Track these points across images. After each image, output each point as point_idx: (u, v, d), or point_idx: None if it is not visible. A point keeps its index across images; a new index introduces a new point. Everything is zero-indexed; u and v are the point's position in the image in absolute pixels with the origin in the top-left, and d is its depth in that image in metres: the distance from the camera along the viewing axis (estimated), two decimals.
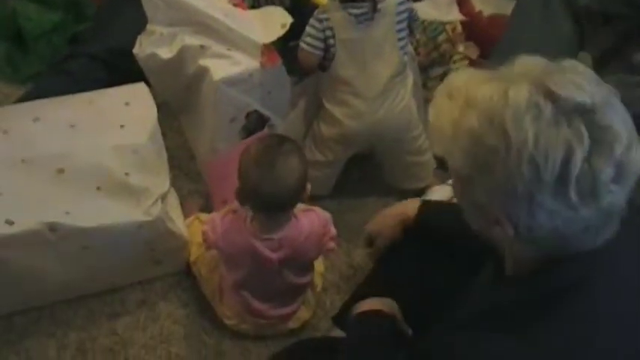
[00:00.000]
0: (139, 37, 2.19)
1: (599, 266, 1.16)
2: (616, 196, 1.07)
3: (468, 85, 1.15)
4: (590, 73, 1.12)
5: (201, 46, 2.07)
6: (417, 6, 2.33)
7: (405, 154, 2.41)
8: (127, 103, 2.08)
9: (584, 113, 1.05)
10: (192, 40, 2.08)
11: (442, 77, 2.83)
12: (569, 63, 1.14)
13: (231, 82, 2.05)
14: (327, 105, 2.27)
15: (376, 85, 2.22)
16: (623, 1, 2.51)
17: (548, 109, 1.05)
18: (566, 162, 1.03)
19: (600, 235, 1.11)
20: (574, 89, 1.06)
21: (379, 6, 2.15)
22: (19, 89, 2.61)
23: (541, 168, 1.04)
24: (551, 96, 1.05)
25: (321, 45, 2.16)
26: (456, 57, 2.86)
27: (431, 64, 2.83)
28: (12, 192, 1.85)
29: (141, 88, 2.14)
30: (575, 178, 1.03)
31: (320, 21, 2.14)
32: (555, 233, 1.09)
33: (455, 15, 2.93)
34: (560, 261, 1.15)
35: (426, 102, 2.53)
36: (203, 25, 2.09)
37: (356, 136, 2.30)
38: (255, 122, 2.16)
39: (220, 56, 2.06)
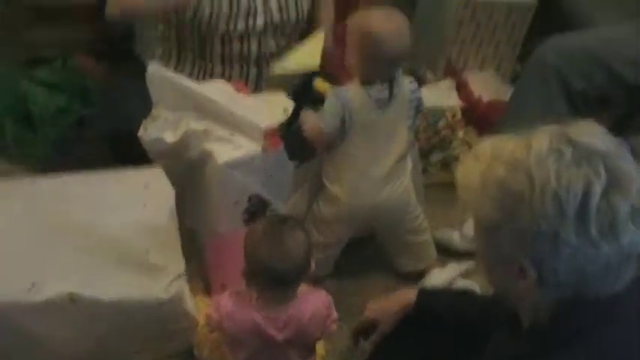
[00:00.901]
0: (144, 121, 2.23)
1: (615, 311, 1.19)
2: (634, 237, 1.12)
3: (493, 145, 1.23)
4: (602, 128, 1.20)
5: (205, 131, 2.11)
6: None
7: (405, 233, 2.44)
8: (146, 185, 2.12)
9: (602, 157, 1.12)
10: (196, 124, 2.13)
11: (442, 162, 2.88)
12: (581, 121, 1.22)
13: (235, 165, 2.09)
14: (329, 184, 2.30)
15: (383, 167, 2.27)
16: (619, 86, 2.56)
17: (568, 152, 1.13)
18: (586, 194, 1.10)
19: (620, 277, 1.16)
20: (591, 137, 1.15)
21: (395, 91, 2.21)
22: (26, 171, 2.65)
23: (563, 201, 1.10)
24: (570, 142, 1.14)
25: (338, 124, 2.19)
26: (455, 142, 2.90)
27: (431, 150, 2.88)
28: (35, 259, 1.87)
29: (158, 172, 2.18)
30: (594, 211, 1.09)
31: (340, 100, 2.18)
32: (578, 274, 1.14)
33: (454, 101, 2.98)
34: (579, 305, 1.18)
35: (426, 187, 2.57)
36: (207, 110, 2.13)
37: (356, 216, 2.32)
38: (258, 205, 2.19)
39: (224, 140, 2.10)
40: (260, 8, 2.43)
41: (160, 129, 2.18)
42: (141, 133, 2.22)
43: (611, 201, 1.10)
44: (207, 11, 2.37)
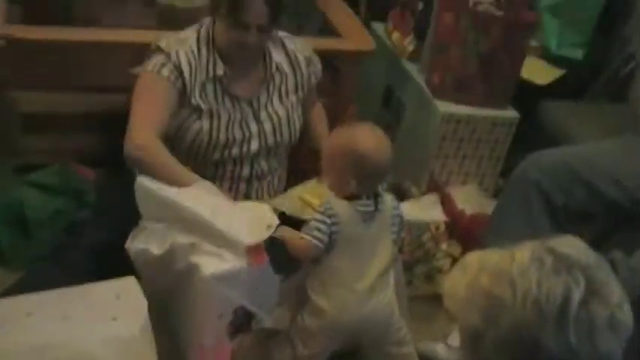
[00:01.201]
0: (132, 232, 2.26)
1: None
2: (612, 345, 1.15)
3: (480, 258, 1.29)
4: (582, 242, 1.26)
5: (191, 244, 2.13)
6: (402, 206, 2.42)
7: (389, 345, 2.43)
8: (117, 296, 2.11)
9: (582, 268, 1.17)
10: (182, 237, 2.14)
11: (426, 275, 2.90)
12: (562, 236, 1.28)
13: (221, 278, 2.09)
14: (315, 297, 2.30)
15: (368, 279, 2.28)
16: (599, 202, 2.61)
17: (549, 260, 1.18)
18: (566, 300, 1.14)
19: None
20: (572, 249, 1.20)
21: (380, 206, 2.26)
22: (15, 274, 2.65)
23: (543, 307, 1.14)
24: (552, 252, 1.19)
25: (327, 240, 2.22)
26: (439, 255, 2.93)
27: (415, 262, 2.90)
28: None
29: (131, 281, 2.17)
30: (573, 318, 1.13)
31: (329, 216, 2.21)
32: None
33: (438, 215, 3.02)
34: None
35: (409, 299, 2.58)
36: (192, 224, 2.15)
37: (342, 329, 2.32)
38: (243, 318, 2.19)
39: (210, 254, 2.11)
40: (255, 133, 2.49)
41: (146, 240, 2.20)
42: (128, 244, 2.24)
43: (590, 310, 1.14)
44: (204, 142, 2.43)
